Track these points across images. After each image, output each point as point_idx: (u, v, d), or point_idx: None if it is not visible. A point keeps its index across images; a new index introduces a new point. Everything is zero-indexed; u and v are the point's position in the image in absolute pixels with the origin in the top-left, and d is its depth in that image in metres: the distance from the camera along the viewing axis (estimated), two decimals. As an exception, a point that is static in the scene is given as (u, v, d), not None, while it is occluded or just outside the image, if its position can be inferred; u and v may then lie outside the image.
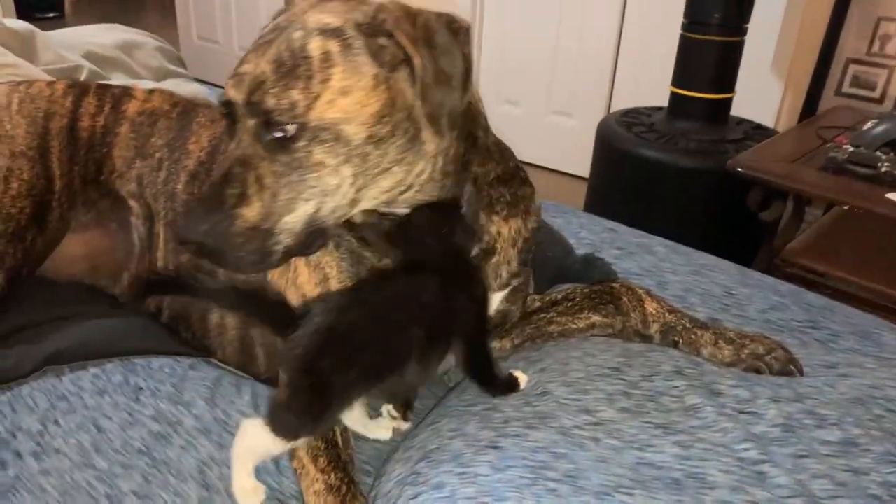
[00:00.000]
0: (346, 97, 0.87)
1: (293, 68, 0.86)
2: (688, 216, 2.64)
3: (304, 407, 0.88)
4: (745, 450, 0.85)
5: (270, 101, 0.86)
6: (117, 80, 1.96)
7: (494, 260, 1.13)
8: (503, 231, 1.13)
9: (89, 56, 2.01)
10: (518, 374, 1.04)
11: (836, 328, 1.27)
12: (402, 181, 0.96)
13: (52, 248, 1.30)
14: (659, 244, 1.59)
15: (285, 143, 0.87)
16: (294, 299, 1.08)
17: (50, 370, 1.15)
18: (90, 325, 1.23)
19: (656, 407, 0.94)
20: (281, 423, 0.88)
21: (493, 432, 0.93)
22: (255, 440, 0.89)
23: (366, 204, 0.97)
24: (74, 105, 1.34)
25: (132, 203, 1.32)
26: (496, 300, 1.17)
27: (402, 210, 1.00)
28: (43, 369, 1.14)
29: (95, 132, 1.33)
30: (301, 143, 0.88)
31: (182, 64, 2.37)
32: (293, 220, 0.90)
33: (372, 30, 0.89)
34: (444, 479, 0.86)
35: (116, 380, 1.14)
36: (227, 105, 0.91)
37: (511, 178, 1.15)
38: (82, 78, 1.94)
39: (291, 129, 0.87)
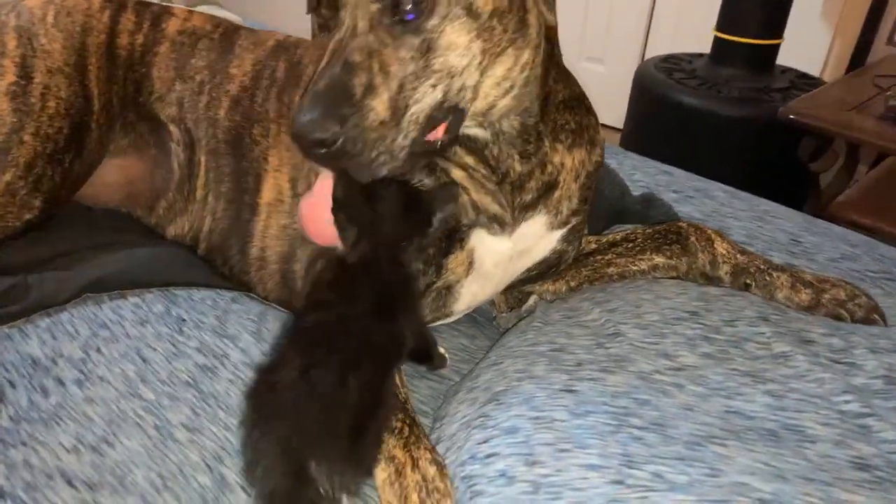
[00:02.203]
0: None
1: None
2: (730, 167, 2.53)
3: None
4: (846, 402, 0.79)
5: None
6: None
7: (556, 194, 1.07)
8: (566, 162, 1.07)
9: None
10: (442, 351, 1.02)
11: (913, 280, 1.20)
12: (510, 70, 0.90)
13: (90, 172, 1.23)
14: (718, 189, 1.51)
15: (415, 24, 0.80)
16: None
17: (89, 297, 1.09)
18: (129, 253, 1.17)
19: (741, 354, 0.88)
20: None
21: (566, 375, 0.87)
22: None
23: (481, 101, 0.90)
24: (112, 21, 1.25)
25: (172, 128, 1.24)
26: (554, 239, 1.11)
27: (486, 129, 0.95)
28: (82, 296, 1.09)
29: (134, 50, 1.25)
30: (433, 22, 0.80)
31: (212, -12, 2.26)
32: (418, 110, 0.82)
33: None
34: (517, 423, 0.81)
35: (158, 310, 1.09)
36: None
37: (577, 105, 1.09)
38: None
39: (424, 6, 0.79)
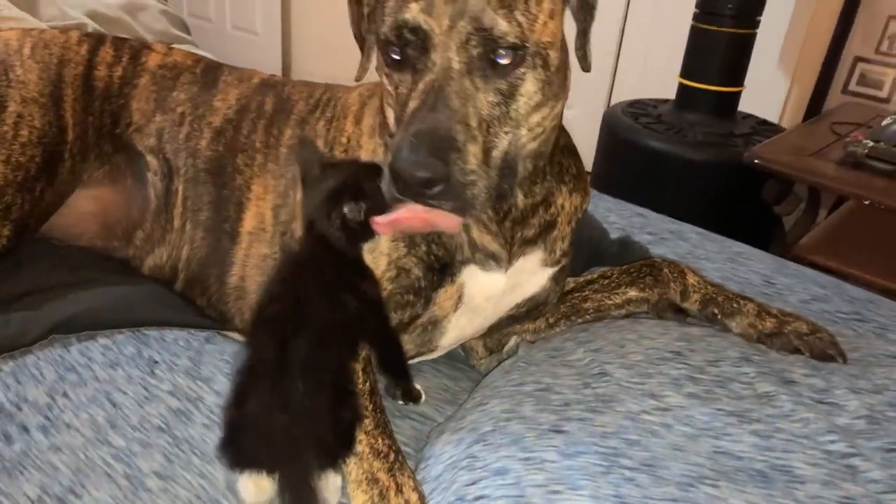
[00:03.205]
0: (553, 20, 0.87)
1: None
2: (695, 209, 2.58)
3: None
4: (832, 442, 0.80)
5: (502, 25, 0.81)
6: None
7: (554, 234, 1.10)
8: (566, 205, 1.10)
9: (92, 15, 1.88)
10: (419, 387, 1.03)
11: (883, 321, 1.22)
12: (545, 118, 0.93)
13: (61, 202, 1.20)
14: (691, 231, 1.53)
15: (505, 70, 0.84)
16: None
17: (56, 339, 1.05)
18: (99, 291, 1.13)
19: (727, 393, 0.88)
20: (334, 456, 0.81)
21: (554, 415, 0.86)
22: (332, 486, 0.81)
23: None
24: (90, 53, 1.24)
25: (150, 158, 1.23)
26: (545, 276, 1.12)
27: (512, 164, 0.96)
28: (49, 338, 1.05)
29: (112, 83, 1.24)
30: (520, 70, 0.84)
31: (186, 30, 2.25)
32: (497, 155, 0.86)
33: None
34: (507, 464, 0.79)
35: (129, 352, 1.05)
36: (415, 32, 0.83)
37: (573, 151, 1.13)
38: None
39: (518, 53, 0.83)
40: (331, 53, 4.29)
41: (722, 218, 2.60)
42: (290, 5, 4.37)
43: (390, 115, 0.96)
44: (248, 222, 1.19)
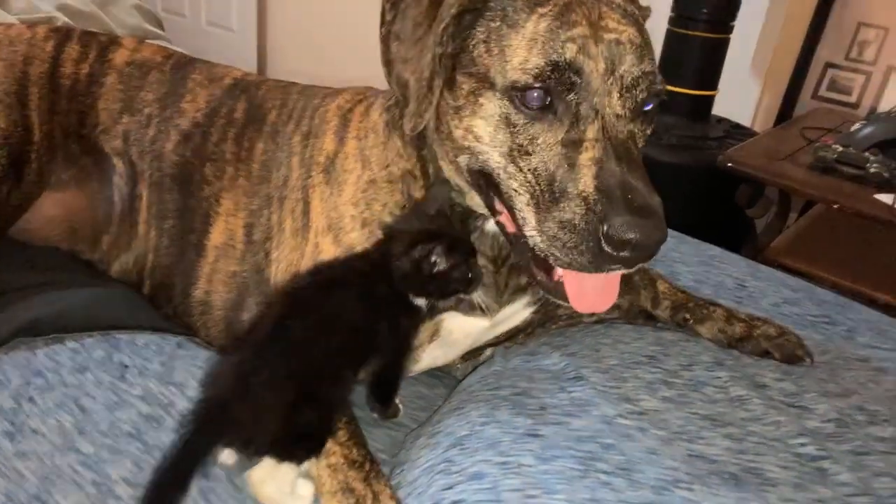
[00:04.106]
0: None
1: (646, 37, 0.84)
2: (671, 211, 2.62)
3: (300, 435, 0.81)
4: (802, 445, 0.81)
5: (657, 72, 0.83)
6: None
7: None
8: None
9: (63, 9, 1.84)
10: (398, 402, 1.01)
11: (851, 324, 1.25)
12: None
13: (28, 204, 1.17)
14: (665, 234, 1.54)
15: (646, 117, 0.85)
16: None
17: (21, 342, 1.02)
18: (67, 293, 1.11)
19: (700, 397, 0.89)
20: (291, 453, 0.81)
21: (530, 419, 0.86)
22: (281, 478, 0.81)
23: None
24: (56, 50, 1.20)
25: (116, 161, 1.20)
26: (528, 312, 1.12)
27: None
28: (13, 341, 1.02)
29: (79, 81, 1.20)
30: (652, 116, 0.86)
31: (160, 25, 2.21)
32: None
33: None
34: (483, 469, 0.79)
35: (98, 356, 1.03)
36: (577, 73, 0.79)
37: None
38: (50, 31, 1.77)
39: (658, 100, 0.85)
40: (307, 50, 4.27)
41: (696, 220, 2.63)
42: (266, 1, 4.33)
43: (463, 161, 0.90)
44: (217, 236, 1.15)
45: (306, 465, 0.83)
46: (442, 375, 1.23)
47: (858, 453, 0.80)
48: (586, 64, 0.79)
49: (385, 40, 0.91)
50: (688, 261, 1.44)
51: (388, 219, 1.01)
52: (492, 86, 0.83)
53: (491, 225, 0.98)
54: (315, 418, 0.82)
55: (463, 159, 0.90)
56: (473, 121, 0.86)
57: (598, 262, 0.78)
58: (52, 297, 1.10)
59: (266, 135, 1.17)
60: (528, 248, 0.86)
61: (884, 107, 2.78)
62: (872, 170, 2.03)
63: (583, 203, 0.77)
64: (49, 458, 0.87)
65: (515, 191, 0.84)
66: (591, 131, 0.80)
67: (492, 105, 0.84)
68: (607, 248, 0.76)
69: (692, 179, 2.55)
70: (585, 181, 0.78)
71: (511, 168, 0.84)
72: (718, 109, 2.84)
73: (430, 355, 1.07)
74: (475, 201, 0.96)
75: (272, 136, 1.17)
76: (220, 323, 1.15)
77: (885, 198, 1.95)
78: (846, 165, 2.09)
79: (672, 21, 2.64)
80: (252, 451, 0.80)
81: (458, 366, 1.24)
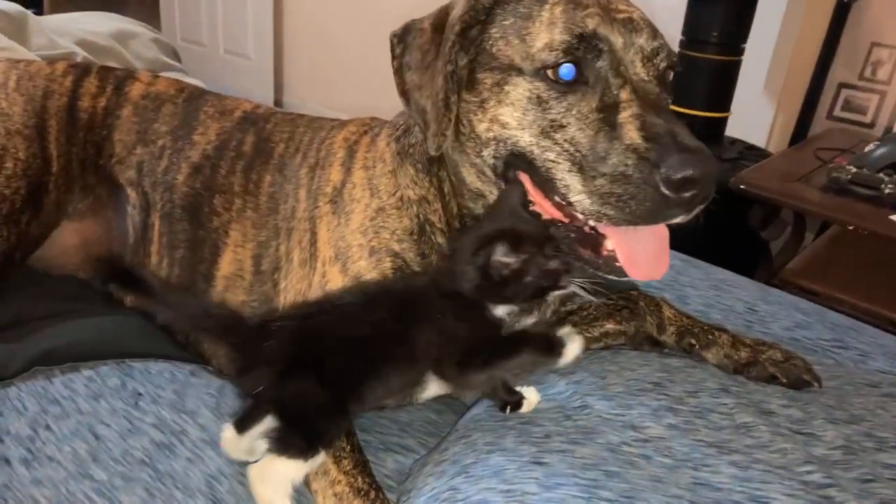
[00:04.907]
0: None
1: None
2: (681, 234, 2.62)
3: (299, 418, 0.83)
4: (808, 472, 0.80)
5: (669, 46, 0.90)
6: (109, 69, 1.85)
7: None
8: None
9: (83, 44, 1.90)
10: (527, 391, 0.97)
11: (864, 348, 1.24)
12: None
13: (47, 234, 1.21)
14: (675, 257, 1.54)
15: (667, 88, 0.90)
16: None
17: (39, 371, 1.05)
18: (83, 323, 1.14)
19: (706, 424, 0.89)
20: (287, 444, 0.82)
21: (535, 447, 0.86)
22: (276, 476, 0.82)
23: None
24: (75, 84, 1.25)
25: (130, 191, 1.23)
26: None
27: None
28: (31, 370, 1.05)
29: (96, 114, 1.25)
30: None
31: (177, 57, 2.27)
32: None
33: None
34: (488, 497, 0.80)
35: (113, 383, 1.05)
36: (605, 42, 0.85)
37: None
38: (73, 66, 1.83)
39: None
40: (323, 77, 4.34)
41: (710, 243, 2.62)
42: (283, 29, 4.42)
43: (488, 153, 0.92)
44: (225, 267, 1.18)
45: (304, 472, 0.84)
46: (452, 402, 1.23)
47: (865, 480, 0.79)
48: (610, 33, 0.85)
49: (398, 72, 0.96)
50: (697, 285, 1.43)
51: (395, 246, 1.03)
52: (519, 72, 0.88)
53: None
54: (326, 406, 0.83)
55: (488, 152, 0.93)
56: (499, 109, 0.90)
57: (658, 210, 0.80)
58: (69, 326, 1.13)
59: (273, 167, 1.20)
60: (570, 230, 0.88)
61: (900, 126, 2.77)
62: (887, 191, 2.01)
63: (633, 154, 0.80)
64: (64, 485, 0.89)
65: (553, 161, 0.87)
66: (625, 94, 0.84)
67: (520, 89, 0.88)
68: (666, 191, 0.78)
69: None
70: (631, 135, 0.81)
71: (545, 142, 0.87)
72: (733, 131, 2.84)
73: (437, 384, 1.07)
74: None
75: (280, 169, 1.20)
76: (228, 354, 1.17)
77: (901, 219, 1.93)
78: (860, 186, 2.07)
79: (683, 44, 2.66)
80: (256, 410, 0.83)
81: (468, 392, 1.24)
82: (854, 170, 2.10)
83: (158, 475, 0.91)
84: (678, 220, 0.84)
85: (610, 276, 0.88)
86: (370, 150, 1.10)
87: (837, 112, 2.97)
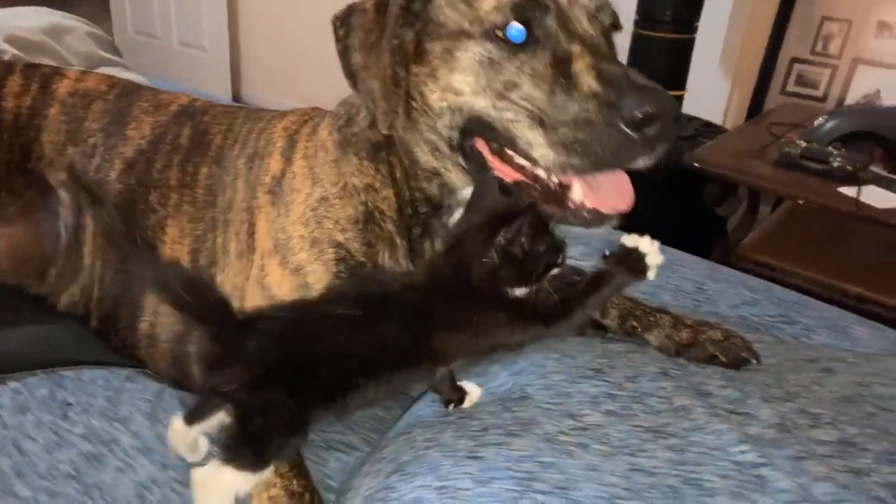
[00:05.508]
0: None
1: None
2: (640, 212, 2.63)
3: (260, 432, 0.77)
4: (742, 452, 0.80)
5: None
6: (43, 66, 1.78)
7: None
8: None
9: (12, 40, 1.83)
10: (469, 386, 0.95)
11: (808, 322, 1.24)
12: None
13: (-25, 240, 1.16)
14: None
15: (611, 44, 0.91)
16: (257, 300, 0.98)
17: (-38, 385, 1.01)
18: (11, 333, 1.10)
19: (644, 409, 0.88)
20: (238, 454, 0.76)
21: (472, 441, 0.85)
22: (221, 485, 0.78)
23: None
24: None
25: (62, 193, 1.19)
26: None
27: None
28: (-47, 384, 1.01)
29: (21, 114, 1.20)
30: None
31: (117, 52, 2.20)
32: None
33: None
34: (421, 494, 0.78)
35: (40, 395, 1.02)
36: (543, 9, 0.84)
37: None
38: (2, 64, 1.76)
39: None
40: (280, 68, 4.27)
41: (666, 221, 2.63)
42: (238, 19, 4.34)
43: (443, 124, 0.90)
44: None
45: (250, 485, 0.81)
46: (400, 396, 1.22)
47: (798, 458, 0.79)
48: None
49: (343, 55, 0.93)
50: (647, 266, 1.43)
51: (339, 236, 1.00)
52: (468, 35, 0.86)
53: (457, 216, 0.98)
54: (291, 424, 0.78)
55: (443, 123, 0.91)
56: (451, 76, 0.88)
57: (622, 151, 0.80)
58: (-3, 337, 1.09)
59: (211, 159, 1.17)
60: (532, 189, 0.88)
61: (851, 99, 2.80)
62: (836, 164, 2.03)
63: (593, 98, 0.80)
64: (-15, 504, 0.86)
65: (512, 120, 0.86)
66: (576, 47, 0.84)
67: (470, 53, 0.87)
68: (630, 133, 0.78)
69: (661, 180, 2.55)
70: (588, 82, 0.81)
71: (501, 103, 0.86)
72: (691, 108, 2.85)
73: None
74: (457, 176, 0.96)
75: (217, 160, 1.16)
76: (165, 356, 1.14)
77: (849, 191, 1.95)
78: (810, 160, 2.09)
79: (637, 24, 2.65)
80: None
81: (416, 386, 1.23)
82: (804, 144, 2.12)
83: (85, 488, 0.88)
84: (643, 163, 0.84)
85: (580, 228, 0.90)
86: (311, 140, 1.07)
87: (791, 87, 3.00)
